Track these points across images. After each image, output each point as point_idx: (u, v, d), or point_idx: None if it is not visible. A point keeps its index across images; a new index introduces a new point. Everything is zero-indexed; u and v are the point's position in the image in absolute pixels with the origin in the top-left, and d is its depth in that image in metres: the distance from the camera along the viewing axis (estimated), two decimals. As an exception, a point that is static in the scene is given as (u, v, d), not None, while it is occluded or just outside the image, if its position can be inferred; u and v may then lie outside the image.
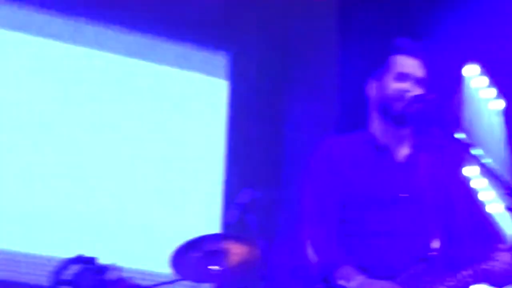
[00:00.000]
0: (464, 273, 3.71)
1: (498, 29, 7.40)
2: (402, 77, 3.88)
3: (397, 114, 3.85)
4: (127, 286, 5.78)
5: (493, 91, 7.71)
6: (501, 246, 3.76)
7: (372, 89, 3.98)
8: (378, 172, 3.89)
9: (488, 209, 7.57)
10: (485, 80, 7.72)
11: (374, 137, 3.94)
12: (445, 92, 3.89)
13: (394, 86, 3.87)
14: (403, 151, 3.95)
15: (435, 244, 3.82)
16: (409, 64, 3.91)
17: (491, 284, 3.80)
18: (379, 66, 3.96)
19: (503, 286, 3.79)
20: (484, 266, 3.71)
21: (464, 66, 7.70)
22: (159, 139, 7.93)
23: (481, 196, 7.62)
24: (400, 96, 3.84)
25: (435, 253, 3.79)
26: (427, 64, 3.92)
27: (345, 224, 3.86)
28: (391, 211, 3.83)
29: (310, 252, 3.82)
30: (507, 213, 7.29)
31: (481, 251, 3.84)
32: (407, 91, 3.84)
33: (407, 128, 3.94)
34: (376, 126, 3.96)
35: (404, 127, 3.92)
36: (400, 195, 3.86)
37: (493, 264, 3.71)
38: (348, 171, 3.88)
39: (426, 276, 3.76)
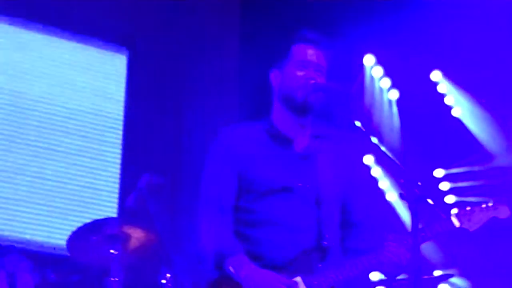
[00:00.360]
0: (357, 261, 3.80)
1: (396, 21, 7.57)
2: (304, 65, 3.91)
3: (300, 102, 3.86)
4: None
5: (388, 81, 7.88)
6: (391, 237, 3.83)
7: (276, 78, 3.99)
8: (277, 162, 3.89)
9: (388, 197, 7.75)
10: (380, 70, 7.89)
11: (274, 126, 3.95)
12: (346, 81, 3.93)
13: (297, 74, 3.92)
14: (303, 141, 3.98)
15: (330, 234, 3.89)
16: (311, 53, 3.93)
17: (383, 273, 3.89)
18: (281, 56, 3.98)
19: (394, 275, 3.88)
20: (376, 256, 3.79)
21: (364, 56, 7.85)
22: (56, 120, 7.84)
23: (381, 185, 7.79)
24: (302, 83, 3.86)
25: (329, 242, 3.83)
26: (328, 55, 3.96)
27: (241, 213, 3.87)
28: (288, 200, 3.85)
29: (206, 239, 3.80)
30: (401, 201, 7.50)
31: (375, 241, 3.91)
32: (310, 78, 3.88)
33: (308, 118, 3.96)
34: (278, 115, 3.96)
35: (305, 116, 3.93)
36: (297, 185, 3.86)
37: (384, 254, 3.79)
38: (247, 159, 3.88)
39: (319, 265, 3.80)
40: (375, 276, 7.10)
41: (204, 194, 3.92)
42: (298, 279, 3.73)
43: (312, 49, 3.96)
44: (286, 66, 3.96)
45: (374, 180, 7.77)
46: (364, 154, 7.76)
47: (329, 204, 3.94)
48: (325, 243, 3.85)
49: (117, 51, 8.30)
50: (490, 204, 3.85)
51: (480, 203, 3.85)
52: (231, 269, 3.71)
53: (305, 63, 3.93)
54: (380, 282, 4.93)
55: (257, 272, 3.68)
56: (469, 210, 3.83)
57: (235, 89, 8.22)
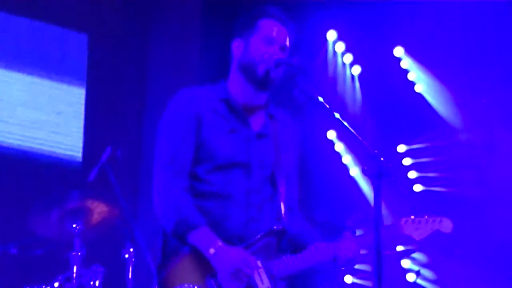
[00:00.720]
0: (312, 253, 3.81)
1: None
2: (270, 41, 3.89)
3: (261, 76, 3.83)
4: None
5: (350, 57, 7.92)
6: (347, 234, 3.85)
7: (238, 48, 3.95)
8: (236, 136, 3.87)
9: (351, 172, 7.80)
10: (343, 45, 7.92)
11: (233, 98, 3.91)
12: (309, 57, 3.94)
13: (262, 48, 3.92)
14: (259, 120, 3.96)
15: (284, 217, 3.85)
16: (277, 30, 3.91)
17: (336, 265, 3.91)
18: (246, 27, 3.97)
19: (348, 265, 3.92)
20: (332, 249, 3.81)
21: (327, 31, 7.87)
22: (19, 94, 7.78)
23: (344, 160, 7.84)
24: (265, 58, 3.85)
25: (284, 225, 3.80)
26: (292, 35, 3.97)
27: (196, 182, 3.81)
28: (244, 177, 3.83)
29: (165, 204, 3.74)
30: (364, 177, 7.55)
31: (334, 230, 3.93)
32: (273, 54, 3.88)
33: (265, 93, 3.94)
34: (236, 85, 3.94)
35: (263, 91, 3.91)
36: (255, 162, 3.84)
37: (340, 248, 3.83)
38: (207, 127, 3.83)
39: (277, 252, 3.80)
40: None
41: (163, 155, 3.84)
42: (258, 263, 3.72)
43: (278, 26, 3.96)
44: (250, 38, 3.95)
45: (337, 155, 7.82)
46: (327, 129, 7.79)
47: (281, 186, 3.93)
48: (281, 226, 3.84)
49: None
50: (432, 218, 3.92)
51: (424, 215, 3.92)
52: (199, 244, 3.68)
53: (271, 39, 3.93)
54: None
55: (230, 250, 3.67)
56: (414, 219, 3.89)
57: (196, 58, 8.20)
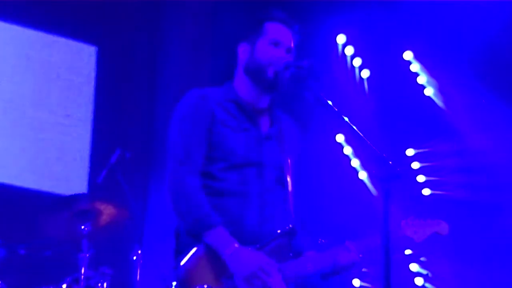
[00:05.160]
0: (318, 257, 3.82)
1: (368, 1, 7.61)
2: (277, 43, 3.92)
3: (269, 78, 3.86)
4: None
5: (359, 60, 7.92)
6: (348, 244, 3.87)
7: (244, 52, 3.98)
8: (248, 136, 3.88)
9: (360, 175, 7.80)
10: (352, 49, 7.92)
11: (242, 98, 3.92)
12: (318, 60, 3.94)
13: (269, 51, 3.93)
14: (266, 121, 3.97)
15: (296, 216, 3.88)
16: (284, 34, 3.94)
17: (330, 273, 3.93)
18: (252, 31, 3.99)
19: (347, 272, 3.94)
20: (332, 256, 3.83)
21: (337, 35, 7.88)
22: (27, 101, 7.79)
23: (353, 163, 7.84)
24: (273, 61, 3.87)
25: (295, 225, 3.80)
26: (298, 38, 3.99)
27: (210, 180, 3.81)
28: (258, 176, 3.85)
29: (181, 203, 3.73)
30: (373, 180, 7.54)
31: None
32: (280, 57, 3.89)
33: (272, 96, 3.96)
34: (243, 88, 3.96)
35: (271, 93, 3.93)
36: (267, 162, 3.86)
37: (340, 256, 3.83)
38: (219, 125, 3.84)
39: (290, 254, 3.80)
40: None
41: (174, 151, 3.85)
42: (274, 266, 3.72)
43: (284, 29, 3.99)
44: (257, 41, 3.97)
45: (347, 159, 7.82)
46: (336, 133, 7.80)
47: (288, 188, 3.95)
48: (293, 226, 3.85)
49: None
50: (429, 221, 3.96)
51: (423, 217, 3.96)
52: (216, 245, 3.69)
53: (277, 41, 3.95)
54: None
55: (247, 253, 3.68)
56: (414, 222, 3.93)
57: (209, 64, 8.21)
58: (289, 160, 3.99)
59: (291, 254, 3.82)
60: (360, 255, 3.86)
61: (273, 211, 3.87)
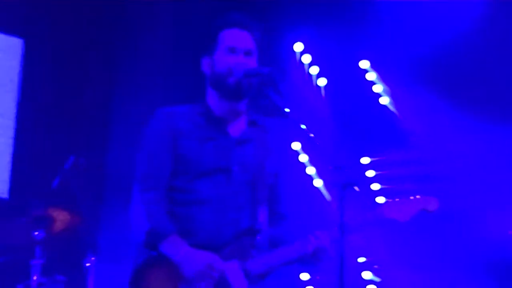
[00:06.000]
0: (283, 251, 3.84)
1: (325, 10, 7.64)
2: (233, 50, 3.91)
3: (231, 88, 3.87)
4: None
5: (316, 69, 7.94)
6: (317, 233, 3.86)
7: (207, 65, 3.99)
8: (214, 144, 3.92)
9: (315, 183, 7.81)
10: (309, 58, 7.94)
11: (210, 109, 3.97)
12: (276, 68, 3.94)
13: (225, 60, 3.92)
14: (239, 126, 4.00)
15: (262, 218, 3.92)
16: (238, 37, 3.94)
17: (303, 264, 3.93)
18: (210, 42, 3.99)
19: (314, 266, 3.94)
20: (298, 248, 3.83)
21: (294, 43, 7.89)
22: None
23: (308, 171, 7.85)
24: (232, 69, 3.88)
25: (260, 226, 3.88)
26: (257, 35, 3.97)
27: (177, 193, 3.89)
28: (224, 182, 3.88)
29: (139, 217, 3.82)
30: (328, 187, 7.56)
31: (300, 233, 3.95)
32: (239, 64, 3.89)
33: (242, 103, 3.98)
34: (212, 100, 3.98)
35: (239, 101, 3.95)
36: (233, 167, 3.90)
37: (306, 247, 3.83)
38: (185, 140, 3.90)
39: (252, 251, 3.84)
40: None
41: (139, 172, 3.96)
42: (234, 263, 3.79)
43: (239, 32, 3.98)
44: (215, 52, 3.98)
45: (302, 166, 7.83)
46: (292, 141, 7.81)
47: (262, 189, 3.98)
48: (257, 226, 3.90)
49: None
50: (418, 197, 3.91)
51: (409, 194, 3.92)
52: (167, 250, 3.74)
53: (233, 48, 3.94)
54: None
55: (194, 254, 3.73)
56: (399, 201, 3.89)
57: (163, 72, 8.17)
58: (267, 163, 4.02)
59: (255, 252, 3.86)
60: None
61: (238, 215, 3.90)
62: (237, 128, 4.02)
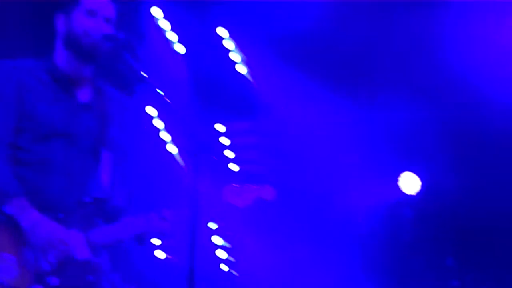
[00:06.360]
0: (127, 223, 3.86)
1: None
2: (94, 13, 3.87)
3: (87, 49, 3.82)
4: None
5: (175, 35, 7.95)
6: (164, 212, 3.90)
7: (61, 24, 3.92)
8: (60, 106, 3.86)
9: (169, 148, 7.81)
10: (168, 24, 7.93)
11: (57, 68, 3.90)
12: (134, 33, 3.93)
13: (85, 22, 3.89)
14: (86, 92, 3.96)
15: (107, 187, 3.91)
16: (99, 2, 3.89)
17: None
18: (68, 2, 3.92)
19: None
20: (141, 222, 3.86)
21: (151, 7, 7.85)
22: None
23: (162, 136, 7.84)
24: (90, 32, 3.83)
25: (106, 195, 3.87)
26: (117, 5, 3.95)
27: (18, 151, 3.80)
28: (68, 146, 3.85)
29: None
30: (182, 153, 7.59)
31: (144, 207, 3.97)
32: (97, 27, 3.85)
33: (92, 67, 3.93)
34: (62, 59, 3.91)
35: (90, 63, 3.90)
36: (78, 132, 3.85)
37: (149, 223, 3.87)
38: (30, 97, 3.81)
39: (98, 220, 3.85)
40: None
41: None
42: (77, 232, 3.75)
43: None
44: (73, 12, 3.92)
45: (156, 131, 7.83)
46: (147, 105, 7.80)
47: (107, 158, 3.97)
48: (103, 195, 3.88)
49: None
50: (255, 186, 4.03)
51: (248, 182, 4.03)
52: (14, 212, 3.67)
53: (93, 11, 3.90)
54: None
55: (40, 221, 3.68)
56: (238, 187, 3.99)
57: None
58: (111, 132, 3.98)
59: (101, 221, 3.85)
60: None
61: (80, 182, 3.87)
62: (84, 93, 3.97)
